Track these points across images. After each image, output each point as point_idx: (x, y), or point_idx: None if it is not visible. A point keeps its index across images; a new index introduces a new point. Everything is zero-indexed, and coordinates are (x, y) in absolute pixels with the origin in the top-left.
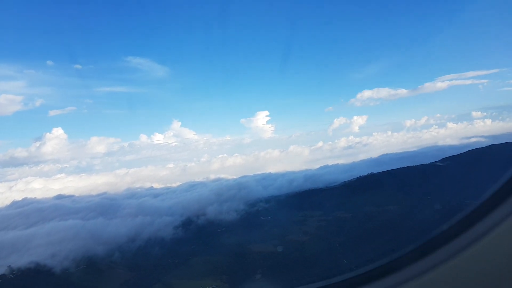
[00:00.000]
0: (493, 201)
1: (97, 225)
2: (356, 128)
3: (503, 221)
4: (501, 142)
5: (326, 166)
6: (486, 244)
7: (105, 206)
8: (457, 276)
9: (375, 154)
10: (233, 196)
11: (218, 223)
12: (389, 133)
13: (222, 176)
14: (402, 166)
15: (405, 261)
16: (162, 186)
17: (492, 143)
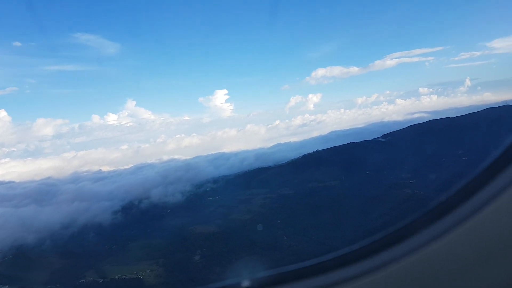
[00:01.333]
0: (490, 172)
1: (29, 212)
2: (311, 106)
3: (502, 192)
4: (440, 117)
5: (278, 144)
6: (485, 215)
7: (42, 192)
8: (454, 251)
9: (327, 131)
10: (180, 177)
11: (162, 206)
12: (342, 110)
13: (176, 157)
14: (347, 142)
15: (406, 232)
16: (111, 169)
17: (433, 118)
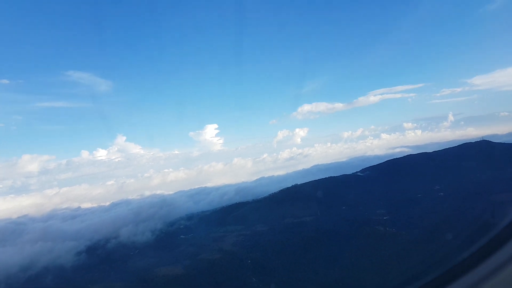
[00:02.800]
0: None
1: None
2: (298, 140)
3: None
4: (421, 152)
5: (262, 178)
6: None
7: (7, 231)
8: None
9: (312, 164)
10: (153, 214)
11: (131, 245)
12: (329, 144)
13: (158, 192)
14: (329, 176)
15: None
16: (92, 205)
17: (414, 153)
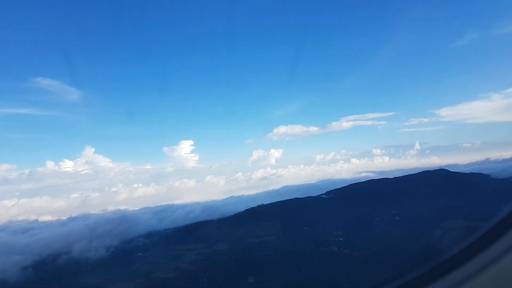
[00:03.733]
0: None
1: None
2: (273, 161)
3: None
4: (385, 177)
5: (232, 197)
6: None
7: None
8: None
9: (282, 185)
10: (110, 231)
11: (83, 262)
12: (302, 166)
13: (123, 207)
14: (297, 197)
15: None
16: (52, 218)
17: (377, 178)
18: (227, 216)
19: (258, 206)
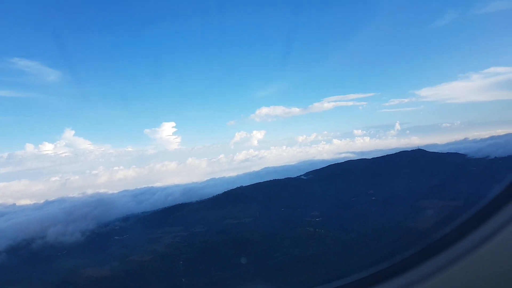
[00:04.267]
0: (495, 205)
1: None
2: (255, 142)
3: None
4: (359, 158)
5: (212, 179)
6: (490, 249)
7: None
8: (460, 281)
9: (263, 167)
10: (86, 214)
11: (58, 246)
12: (284, 147)
13: (102, 190)
14: (277, 178)
15: (406, 265)
16: (31, 202)
17: (357, 158)
18: (206, 198)
19: (237, 188)
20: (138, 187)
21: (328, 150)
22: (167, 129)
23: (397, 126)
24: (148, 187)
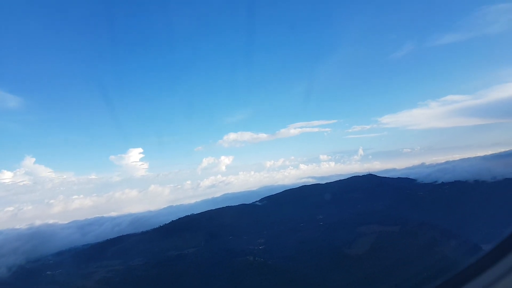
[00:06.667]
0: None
1: None
2: (223, 168)
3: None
4: (314, 183)
5: (169, 207)
6: None
7: None
8: None
9: (223, 193)
10: (17, 248)
11: None
12: (252, 172)
13: (51, 221)
14: (235, 204)
15: None
16: None
17: (319, 183)
18: (153, 228)
19: (186, 216)
20: (89, 217)
21: (294, 175)
22: (134, 155)
23: (360, 152)
24: (98, 217)
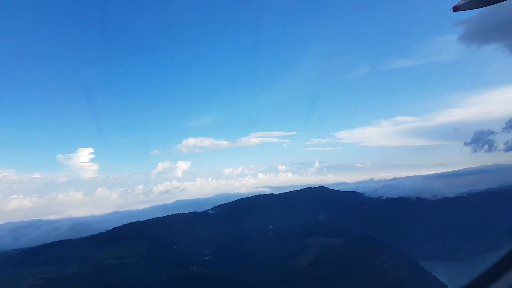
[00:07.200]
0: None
1: None
2: (180, 173)
3: None
4: (268, 193)
5: (115, 212)
6: None
7: None
8: None
9: (181, 198)
10: None
11: None
12: (210, 179)
13: None
14: (186, 212)
15: None
16: None
17: (274, 193)
18: (93, 234)
19: (130, 223)
20: (25, 220)
21: (251, 184)
22: (84, 155)
23: (317, 164)
24: (36, 220)
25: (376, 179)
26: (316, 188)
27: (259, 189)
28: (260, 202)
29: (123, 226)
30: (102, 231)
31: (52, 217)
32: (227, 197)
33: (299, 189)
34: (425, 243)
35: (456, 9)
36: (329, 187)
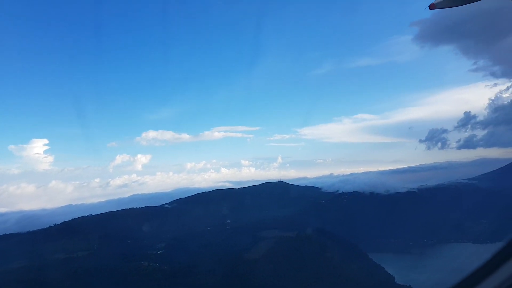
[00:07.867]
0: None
1: None
2: (139, 167)
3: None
4: (227, 188)
5: (68, 206)
6: None
7: None
8: None
9: (138, 192)
10: None
11: None
12: (171, 173)
13: None
14: (143, 206)
15: None
16: None
17: (234, 187)
18: (42, 228)
19: (82, 217)
20: None
21: (213, 179)
22: (38, 146)
23: (279, 159)
24: None
25: (335, 174)
26: (275, 183)
27: (220, 184)
28: (219, 196)
29: (74, 220)
30: (51, 225)
31: (1, 210)
32: (186, 191)
33: (259, 184)
34: (377, 236)
35: (433, 7)
36: (289, 182)
